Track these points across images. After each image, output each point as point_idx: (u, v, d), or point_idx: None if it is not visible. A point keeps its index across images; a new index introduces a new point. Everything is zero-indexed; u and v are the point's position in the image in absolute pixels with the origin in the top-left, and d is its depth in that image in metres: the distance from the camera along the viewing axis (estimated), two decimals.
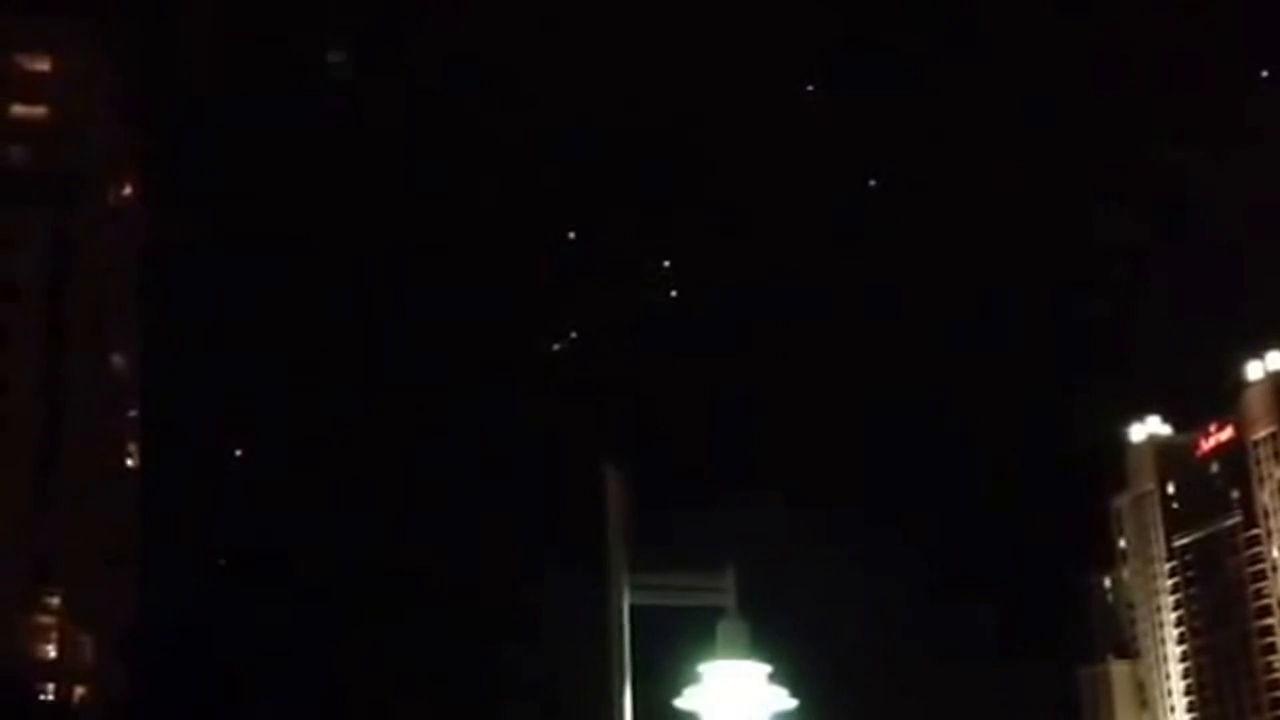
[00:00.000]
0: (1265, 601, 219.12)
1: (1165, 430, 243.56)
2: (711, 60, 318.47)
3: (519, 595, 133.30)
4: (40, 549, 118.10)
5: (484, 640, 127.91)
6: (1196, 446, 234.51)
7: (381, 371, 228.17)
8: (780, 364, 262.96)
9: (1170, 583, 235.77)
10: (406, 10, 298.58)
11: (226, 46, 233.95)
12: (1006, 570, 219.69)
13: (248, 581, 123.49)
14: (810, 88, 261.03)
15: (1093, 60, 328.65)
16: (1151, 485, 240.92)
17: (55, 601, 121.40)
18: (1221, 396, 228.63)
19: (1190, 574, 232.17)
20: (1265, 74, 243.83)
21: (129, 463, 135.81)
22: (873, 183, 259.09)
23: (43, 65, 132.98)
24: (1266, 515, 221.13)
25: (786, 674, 15.03)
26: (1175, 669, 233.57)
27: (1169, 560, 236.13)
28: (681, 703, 14.91)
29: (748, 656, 14.87)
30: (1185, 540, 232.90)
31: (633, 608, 15.49)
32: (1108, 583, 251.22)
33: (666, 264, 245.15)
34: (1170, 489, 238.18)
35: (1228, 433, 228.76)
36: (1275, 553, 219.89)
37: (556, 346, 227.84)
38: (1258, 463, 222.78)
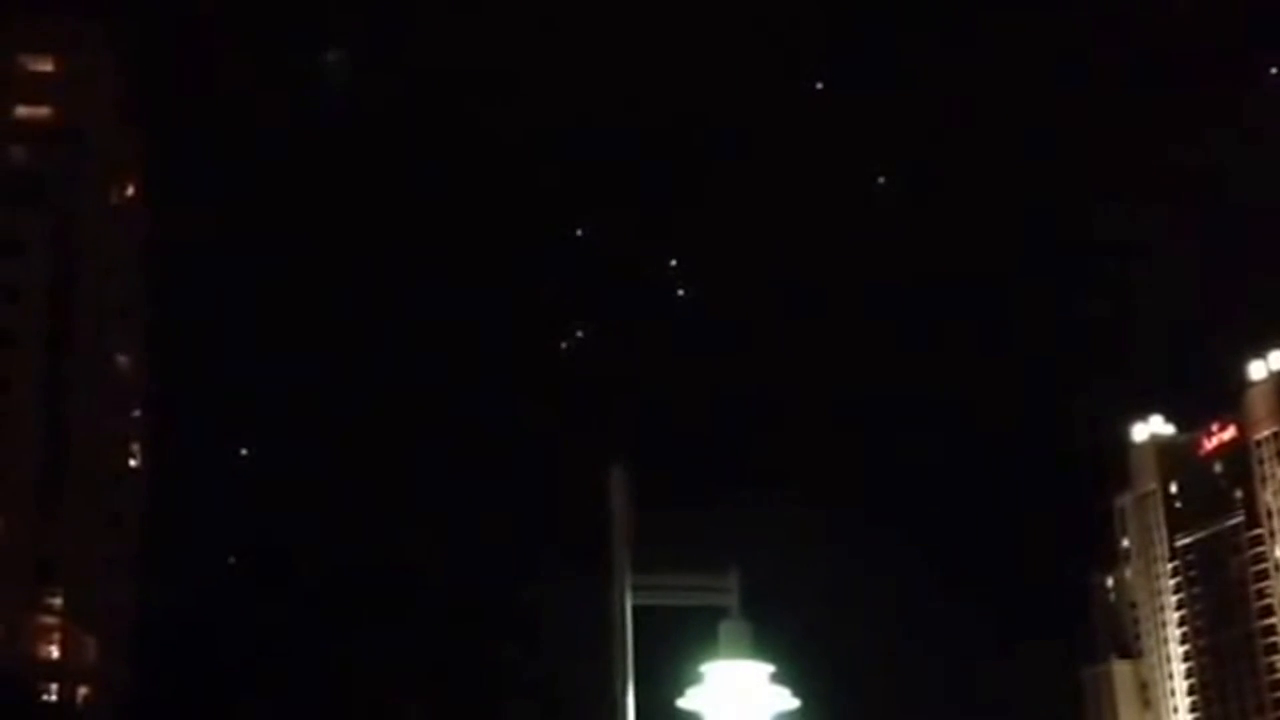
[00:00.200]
0: (1268, 601, 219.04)
1: (1168, 430, 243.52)
2: (718, 57, 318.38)
3: (519, 595, 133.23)
4: (43, 550, 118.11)
5: (484, 640, 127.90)
6: (1199, 446, 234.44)
7: (382, 371, 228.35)
8: (782, 363, 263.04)
9: (1173, 582, 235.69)
10: (406, 10, 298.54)
11: (227, 46, 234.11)
12: (1009, 570, 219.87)
13: (251, 581, 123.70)
14: (819, 85, 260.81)
15: (1093, 60, 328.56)
16: (1154, 485, 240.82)
17: (58, 602, 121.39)
18: (1224, 396, 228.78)
19: (1193, 574, 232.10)
20: (1274, 70, 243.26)
21: (132, 463, 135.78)
22: (881, 180, 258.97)
23: (46, 66, 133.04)
24: (1269, 515, 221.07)
25: (789, 674, 15.05)
26: (1178, 669, 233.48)
27: (1172, 560, 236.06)
28: (684, 703, 14.93)
29: (750, 657, 14.89)
30: (1188, 540, 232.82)
31: (635, 608, 15.51)
32: (1110, 582, 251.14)
33: (674, 263, 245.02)
34: (1173, 488, 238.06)
35: (1230, 432, 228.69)
36: (1278, 552, 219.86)
37: (564, 345, 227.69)
38: (1260, 462, 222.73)
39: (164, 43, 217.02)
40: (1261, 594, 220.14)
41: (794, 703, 14.90)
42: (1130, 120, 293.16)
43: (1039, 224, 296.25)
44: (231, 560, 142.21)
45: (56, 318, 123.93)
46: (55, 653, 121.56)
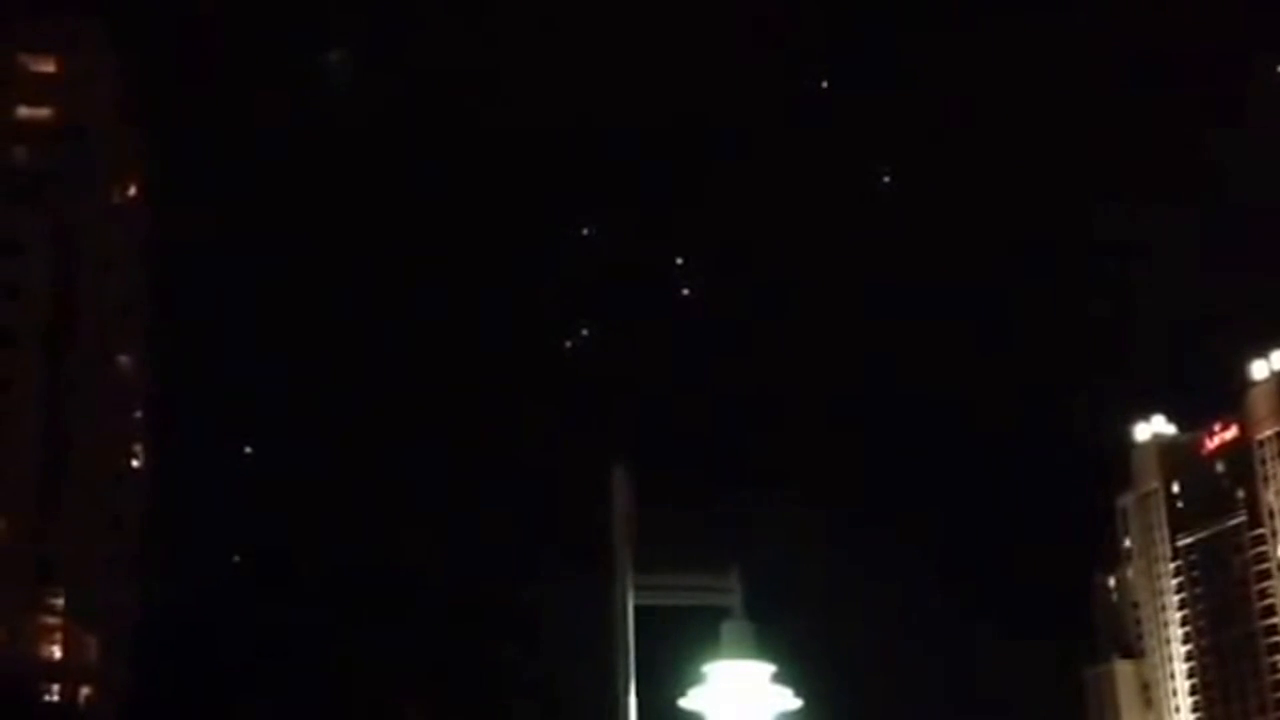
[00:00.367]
0: (1270, 601, 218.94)
1: (1170, 429, 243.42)
2: (719, 57, 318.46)
3: (519, 595, 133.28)
4: (44, 550, 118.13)
5: (484, 640, 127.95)
6: (1201, 446, 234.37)
7: (382, 371, 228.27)
8: (783, 363, 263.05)
9: (1175, 582, 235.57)
10: (407, 10, 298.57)
11: (228, 46, 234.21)
12: (1009, 570, 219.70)
13: (251, 581, 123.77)
14: (820, 85, 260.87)
15: (1093, 60, 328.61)
16: (1156, 484, 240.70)
17: (59, 602, 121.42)
18: (1226, 396, 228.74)
19: (1195, 573, 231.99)
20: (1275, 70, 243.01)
21: (134, 463, 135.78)
22: (886, 179, 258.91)
23: (46, 66, 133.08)
24: (1271, 514, 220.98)
25: (791, 674, 14.97)
26: (1180, 668, 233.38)
27: (1174, 560, 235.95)
28: (686, 703, 14.85)
29: (752, 657, 14.81)
30: (1190, 540, 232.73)
31: (636, 608, 15.42)
32: (1112, 582, 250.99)
33: (679, 261, 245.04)
34: (1175, 488, 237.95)
35: (1232, 432, 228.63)
36: None
37: (568, 344, 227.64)
38: (1263, 462, 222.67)
39: (164, 43, 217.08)
40: (1263, 594, 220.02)
41: (796, 703, 14.81)
42: (1130, 120, 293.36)
43: (1039, 224, 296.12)
44: (232, 560, 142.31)
45: (57, 318, 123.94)
46: (57, 653, 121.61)
